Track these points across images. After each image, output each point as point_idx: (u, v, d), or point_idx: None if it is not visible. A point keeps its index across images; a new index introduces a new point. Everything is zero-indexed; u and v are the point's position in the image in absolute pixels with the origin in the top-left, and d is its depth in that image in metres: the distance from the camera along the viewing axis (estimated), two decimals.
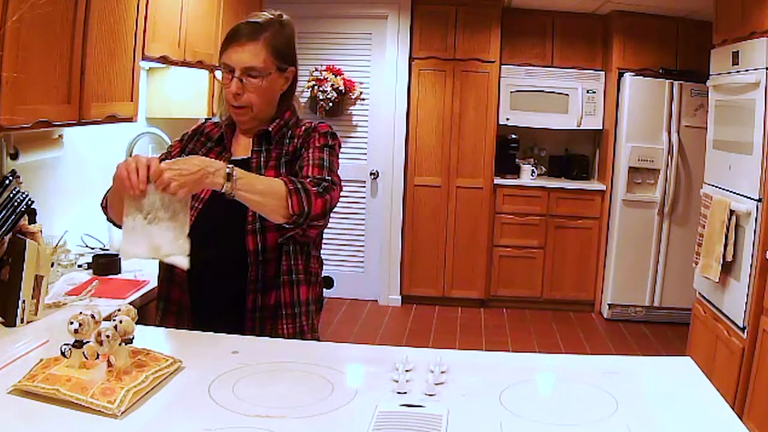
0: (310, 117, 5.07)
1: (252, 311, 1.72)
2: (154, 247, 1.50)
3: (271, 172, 1.75)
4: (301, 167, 1.73)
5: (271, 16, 1.78)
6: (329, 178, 1.70)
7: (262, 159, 1.78)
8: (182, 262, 1.51)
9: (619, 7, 4.84)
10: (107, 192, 1.80)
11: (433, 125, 5.12)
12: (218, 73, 1.78)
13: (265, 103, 1.77)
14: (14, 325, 1.70)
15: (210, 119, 1.96)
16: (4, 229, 1.90)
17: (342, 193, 4.58)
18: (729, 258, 3.31)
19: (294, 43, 1.82)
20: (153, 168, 1.44)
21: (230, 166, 1.53)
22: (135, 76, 2.57)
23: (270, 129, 1.79)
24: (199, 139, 1.89)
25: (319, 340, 1.87)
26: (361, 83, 5.10)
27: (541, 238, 5.17)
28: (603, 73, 5.14)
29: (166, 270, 1.78)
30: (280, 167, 1.76)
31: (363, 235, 5.26)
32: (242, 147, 1.84)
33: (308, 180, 1.66)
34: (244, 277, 1.72)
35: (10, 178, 2.04)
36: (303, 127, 1.82)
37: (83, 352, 1.31)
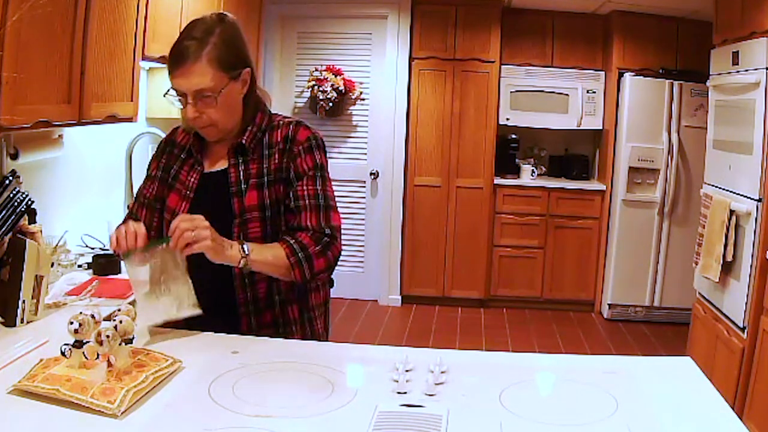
0: (310, 117, 5.14)
1: (248, 332, 1.70)
2: (168, 311, 1.60)
3: (253, 192, 1.68)
4: (297, 207, 1.67)
5: (210, 22, 1.64)
6: (329, 231, 1.67)
7: (241, 173, 1.70)
8: (196, 311, 1.63)
9: (619, 7, 4.83)
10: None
11: (433, 125, 5.11)
12: (171, 94, 1.64)
13: (228, 116, 1.68)
14: (14, 325, 1.70)
15: (179, 126, 1.86)
16: (4, 229, 1.90)
17: (342, 193, 4.58)
18: (729, 258, 3.31)
19: (242, 42, 1.68)
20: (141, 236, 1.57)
21: (241, 242, 1.60)
22: (135, 76, 2.57)
23: (243, 141, 1.70)
24: (171, 152, 1.82)
25: (327, 339, 1.87)
26: (361, 83, 5.10)
27: (541, 238, 5.17)
28: (603, 73, 5.14)
29: None
30: (263, 188, 1.68)
31: (363, 235, 5.26)
32: (215, 158, 1.76)
33: (309, 235, 1.65)
34: (234, 300, 1.71)
35: (10, 178, 2.04)
36: (280, 132, 1.72)
37: (83, 352, 1.31)
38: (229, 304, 1.71)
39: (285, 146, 1.71)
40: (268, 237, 1.68)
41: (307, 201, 1.68)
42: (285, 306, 1.74)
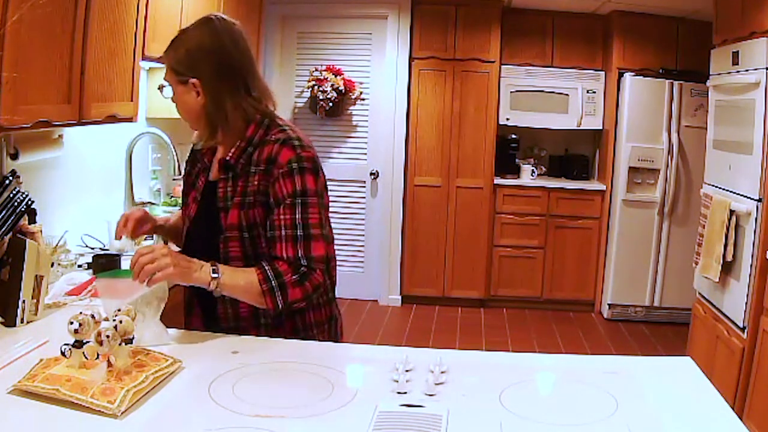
0: (310, 117, 5.12)
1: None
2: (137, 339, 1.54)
3: (235, 211, 1.64)
4: (272, 237, 1.61)
5: (195, 22, 1.67)
6: (304, 261, 1.58)
7: (228, 189, 1.67)
8: (164, 341, 1.59)
9: (619, 7, 4.83)
10: None
11: (433, 125, 5.11)
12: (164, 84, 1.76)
13: (185, 116, 1.69)
14: (14, 325, 1.70)
15: None
16: (4, 229, 1.90)
17: (342, 193, 4.55)
18: (729, 258, 3.31)
19: (202, 51, 1.63)
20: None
21: (213, 263, 1.58)
22: (135, 76, 2.57)
23: (228, 158, 1.67)
24: (195, 157, 1.83)
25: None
26: (361, 83, 5.10)
27: (541, 238, 5.17)
28: (603, 73, 5.14)
29: (188, 300, 1.80)
30: (244, 207, 1.63)
31: (363, 235, 5.26)
32: (214, 167, 1.75)
33: (286, 264, 1.58)
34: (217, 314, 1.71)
35: (10, 178, 2.04)
36: (266, 150, 1.63)
37: (83, 352, 1.31)
38: (214, 317, 1.72)
39: (266, 167, 1.62)
40: (250, 258, 1.65)
41: (282, 231, 1.60)
42: (271, 329, 1.69)
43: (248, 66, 1.68)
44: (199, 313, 1.77)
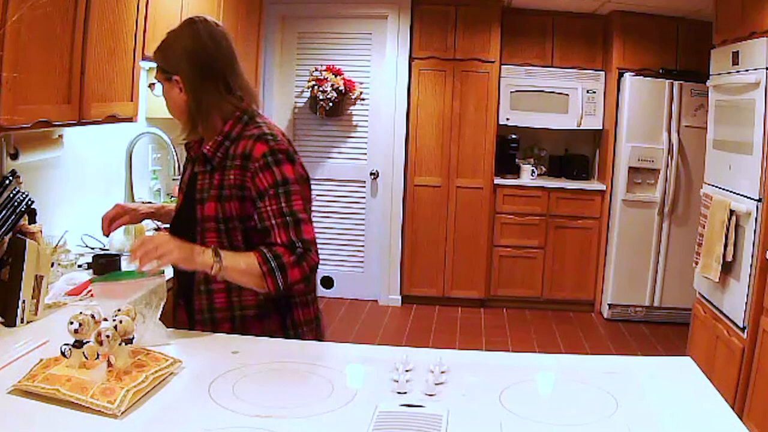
0: (310, 117, 5.11)
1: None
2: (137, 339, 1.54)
3: (211, 203, 1.68)
4: (264, 228, 1.64)
5: (181, 25, 1.74)
6: (299, 244, 1.62)
7: (206, 181, 1.71)
8: (164, 341, 1.58)
9: (619, 7, 4.84)
10: None
11: (433, 125, 5.11)
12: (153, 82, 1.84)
13: (172, 110, 1.76)
14: (14, 325, 1.70)
15: None
16: (4, 229, 1.90)
17: (342, 193, 4.58)
18: (729, 258, 3.31)
19: (181, 48, 1.69)
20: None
21: (214, 248, 1.61)
22: (135, 76, 2.57)
23: (205, 151, 1.71)
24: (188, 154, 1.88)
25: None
26: (361, 83, 5.10)
27: (541, 238, 5.17)
28: (603, 73, 5.14)
29: (176, 292, 1.82)
30: (221, 200, 1.67)
31: (363, 235, 5.25)
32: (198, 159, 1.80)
33: (282, 247, 1.61)
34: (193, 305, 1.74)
35: (10, 178, 2.04)
36: (241, 145, 1.67)
37: (83, 352, 1.31)
38: (191, 308, 1.74)
39: (242, 162, 1.67)
40: (226, 249, 1.67)
41: (273, 220, 1.64)
42: (251, 322, 1.71)
43: (230, 66, 1.73)
44: (183, 305, 1.80)
